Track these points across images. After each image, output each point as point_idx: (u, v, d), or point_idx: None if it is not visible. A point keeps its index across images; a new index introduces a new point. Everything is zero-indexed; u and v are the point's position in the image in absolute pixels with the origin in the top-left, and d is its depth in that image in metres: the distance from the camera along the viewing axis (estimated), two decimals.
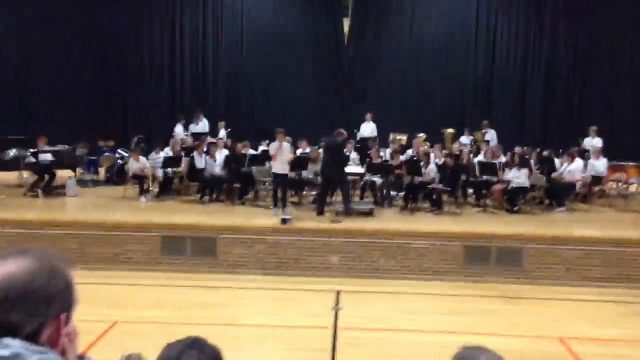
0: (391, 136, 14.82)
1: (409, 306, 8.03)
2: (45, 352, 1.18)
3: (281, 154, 10.46)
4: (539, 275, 9.09)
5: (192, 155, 12.13)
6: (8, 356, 1.13)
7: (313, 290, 8.54)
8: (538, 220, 10.58)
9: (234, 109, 17.50)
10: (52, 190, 12.01)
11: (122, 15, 16.87)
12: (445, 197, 11.36)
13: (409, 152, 13.15)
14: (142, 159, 12.02)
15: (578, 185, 11.86)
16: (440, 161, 11.74)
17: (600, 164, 12.19)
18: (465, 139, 14.94)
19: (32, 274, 1.22)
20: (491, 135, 15.05)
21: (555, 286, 8.89)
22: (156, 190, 12.17)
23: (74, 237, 9.38)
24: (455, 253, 9.24)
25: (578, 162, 11.91)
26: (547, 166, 12.14)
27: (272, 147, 10.75)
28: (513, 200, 11.17)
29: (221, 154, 12.18)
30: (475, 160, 12.50)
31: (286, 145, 10.80)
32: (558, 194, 11.67)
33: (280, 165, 10.46)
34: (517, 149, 12.91)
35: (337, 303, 7.95)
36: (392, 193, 11.88)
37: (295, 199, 11.83)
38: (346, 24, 17.43)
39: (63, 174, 12.79)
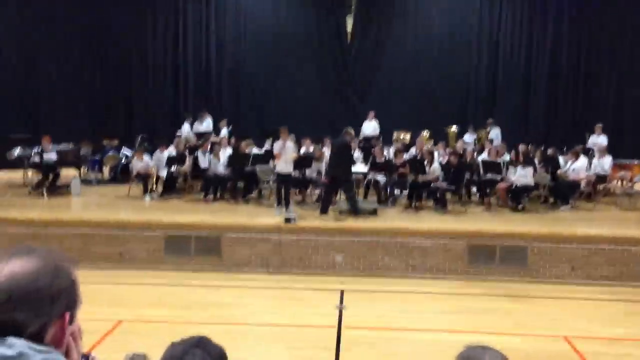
0: (395, 134, 14.81)
1: (413, 305, 8.02)
2: (49, 352, 1.18)
3: (285, 153, 10.47)
4: (543, 273, 9.07)
5: (196, 154, 12.16)
6: (12, 355, 1.13)
7: (317, 289, 8.54)
8: (542, 219, 10.55)
9: (238, 107, 17.52)
10: (57, 189, 12.03)
11: (123, 15, 16.88)
12: (449, 196, 11.34)
13: (413, 150, 13.14)
14: (146, 158, 12.04)
15: (582, 183, 11.83)
16: (444, 160, 11.72)
17: (604, 162, 12.15)
18: (468, 137, 14.91)
19: (36, 274, 1.22)
20: (496, 133, 15.03)
21: (559, 285, 8.87)
22: (160, 189, 12.18)
23: (78, 236, 9.40)
24: (460, 252, 9.22)
25: (582, 161, 11.89)
26: (551, 164, 12.11)
27: (276, 146, 10.76)
28: (517, 198, 11.15)
29: (225, 153, 12.20)
30: (479, 159, 12.48)
31: (290, 144, 10.80)
32: (562, 193, 11.64)
33: (284, 164, 10.47)
34: (522, 147, 12.89)
35: (341, 302, 7.95)
36: (396, 192, 11.87)
37: (299, 198, 11.83)
38: (349, 23, 17.42)
39: (67, 173, 12.82)
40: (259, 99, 17.56)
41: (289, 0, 17.78)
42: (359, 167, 12.04)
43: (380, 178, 11.72)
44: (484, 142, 14.35)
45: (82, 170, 13.70)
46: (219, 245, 9.36)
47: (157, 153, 12.18)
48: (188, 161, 12.23)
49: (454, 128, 15.52)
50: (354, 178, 11.17)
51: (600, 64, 16.80)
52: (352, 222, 9.76)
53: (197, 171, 12.04)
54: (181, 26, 17.54)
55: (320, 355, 6.26)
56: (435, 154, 12.12)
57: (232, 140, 13.38)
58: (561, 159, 12.44)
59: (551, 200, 11.89)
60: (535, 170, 11.49)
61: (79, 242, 9.31)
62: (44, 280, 1.22)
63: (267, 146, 12.98)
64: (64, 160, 12.61)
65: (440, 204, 11.05)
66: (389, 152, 12.94)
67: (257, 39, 17.48)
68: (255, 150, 12.53)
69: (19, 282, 1.20)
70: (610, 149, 12.77)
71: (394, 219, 10.37)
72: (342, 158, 10.40)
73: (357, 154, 12.76)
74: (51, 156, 12.03)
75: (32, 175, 12.61)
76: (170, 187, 12.23)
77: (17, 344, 1.14)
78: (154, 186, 12.10)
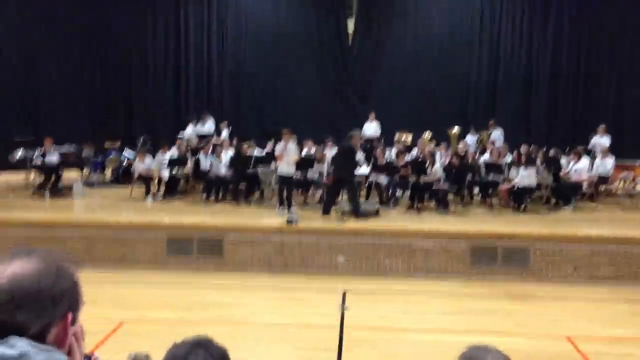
0: (397, 135, 14.80)
1: (415, 306, 8.01)
2: (51, 351, 1.18)
3: (287, 155, 10.48)
4: (545, 274, 9.06)
5: (197, 155, 12.17)
6: (14, 355, 1.13)
7: (319, 290, 8.53)
8: (544, 220, 10.55)
9: (238, 107, 17.54)
10: (59, 191, 12.06)
11: (123, 15, 16.91)
12: (451, 197, 11.33)
13: (414, 151, 13.13)
14: (147, 159, 12.05)
15: (585, 184, 11.81)
16: (446, 161, 11.71)
17: (607, 163, 12.13)
18: (470, 139, 14.89)
19: (38, 275, 1.22)
20: (498, 134, 15.00)
21: (561, 285, 8.86)
22: (162, 191, 12.19)
23: (80, 237, 9.41)
24: (462, 253, 9.22)
25: (584, 161, 11.87)
26: (553, 165, 12.10)
27: (278, 148, 10.78)
28: (519, 199, 11.14)
29: (227, 155, 12.21)
30: (481, 160, 12.47)
31: (292, 146, 10.81)
32: (564, 194, 11.62)
33: (285, 165, 10.48)
34: (523, 148, 12.88)
35: (343, 303, 7.94)
36: (398, 193, 11.87)
37: (301, 199, 11.83)
38: (350, 24, 17.42)
39: (69, 175, 12.83)
40: (259, 99, 17.58)
41: (289, 1, 17.80)
42: (361, 168, 12.04)
43: (382, 179, 11.71)
44: (485, 144, 14.34)
45: (84, 172, 13.72)
46: (221, 247, 9.37)
47: (159, 155, 12.19)
48: (190, 163, 12.24)
49: (456, 129, 15.50)
50: (357, 180, 11.18)
51: (600, 64, 16.78)
52: (354, 223, 9.76)
53: (199, 173, 12.06)
54: (181, 26, 17.57)
55: (322, 356, 6.26)
56: (437, 155, 12.10)
57: (234, 141, 13.39)
58: (563, 160, 12.42)
59: (553, 201, 11.88)
60: (537, 171, 11.49)
61: (82, 244, 9.32)
62: (45, 281, 1.22)
63: (268, 148, 12.97)
64: (66, 162, 12.64)
65: (442, 205, 11.05)
66: (391, 153, 12.94)
67: (257, 39, 17.49)
68: (256, 152, 12.54)
69: (21, 284, 1.20)
70: (611, 149, 12.75)
71: (396, 220, 10.37)
72: (347, 160, 10.44)
73: (359, 155, 12.77)
74: (53, 158, 12.05)
75: (34, 177, 12.64)
76: (172, 189, 12.24)
77: (19, 344, 1.14)
78: (156, 188, 12.12)
